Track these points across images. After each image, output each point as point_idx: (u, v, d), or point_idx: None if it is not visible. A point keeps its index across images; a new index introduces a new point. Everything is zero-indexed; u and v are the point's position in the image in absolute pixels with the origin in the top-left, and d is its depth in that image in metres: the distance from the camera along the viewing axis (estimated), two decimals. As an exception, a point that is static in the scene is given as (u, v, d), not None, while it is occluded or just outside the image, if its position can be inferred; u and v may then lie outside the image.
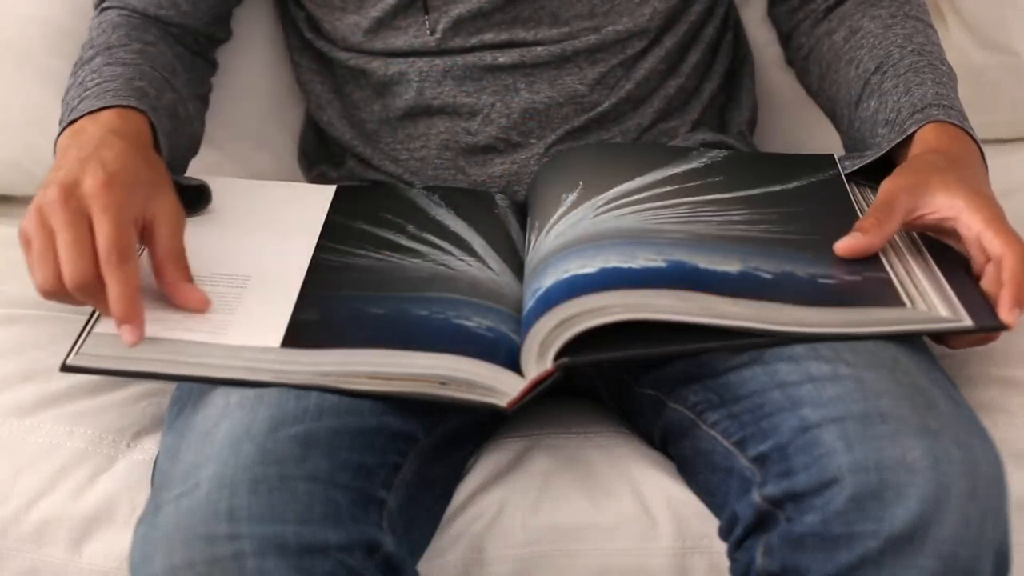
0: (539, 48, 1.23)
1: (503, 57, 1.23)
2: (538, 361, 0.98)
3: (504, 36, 1.23)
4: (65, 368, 0.98)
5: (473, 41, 1.23)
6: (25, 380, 1.17)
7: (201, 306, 1.02)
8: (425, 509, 1.04)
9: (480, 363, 0.99)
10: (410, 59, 1.24)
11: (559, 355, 0.97)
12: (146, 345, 0.99)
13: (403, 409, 1.00)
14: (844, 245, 1.04)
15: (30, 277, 1.01)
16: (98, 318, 1.02)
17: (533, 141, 1.24)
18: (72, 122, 1.10)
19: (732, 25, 1.36)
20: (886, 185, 1.06)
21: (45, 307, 1.26)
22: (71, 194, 1.00)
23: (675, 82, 1.28)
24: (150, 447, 1.13)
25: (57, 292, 1.00)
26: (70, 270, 0.98)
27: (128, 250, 0.99)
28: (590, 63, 1.24)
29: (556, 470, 1.10)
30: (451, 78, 1.24)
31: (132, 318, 0.98)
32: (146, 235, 1.02)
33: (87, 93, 1.12)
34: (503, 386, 0.98)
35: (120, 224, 0.99)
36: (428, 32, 1.23)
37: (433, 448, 1.04)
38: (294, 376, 0.98)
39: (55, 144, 1.10)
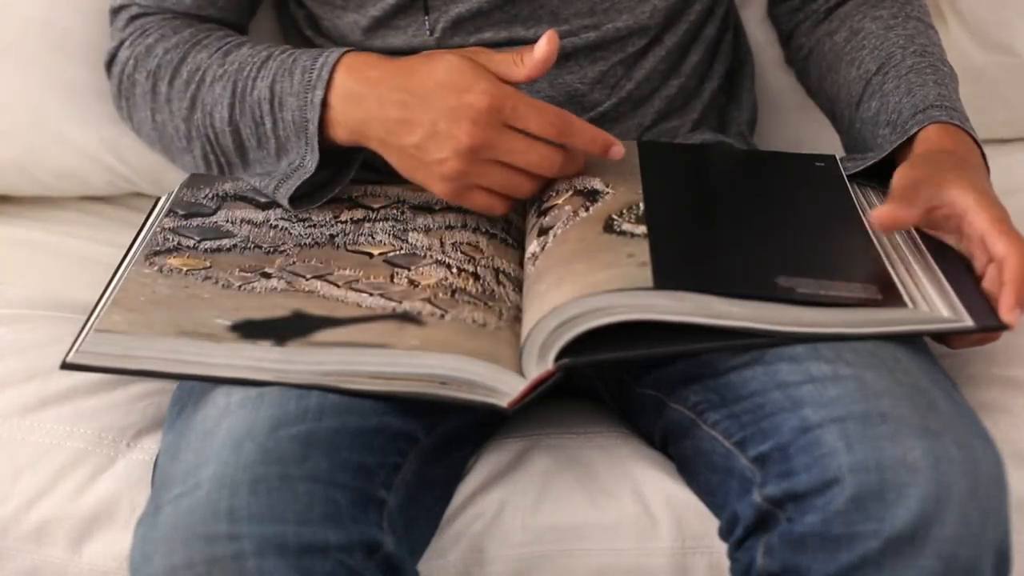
0: (539, 47, 1.23)
1: (503, 56, 1.23)
2: (539, 362, 0.98)
3: (504, 35, 1.23)
4: (65, 366, 0.98)
5: (472, 40, 1.23)
6: (25, 380, 1.17)
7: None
8: (425, 509, 1.04)
9: (480, 363, 0.99)
10: (410, 59, 1.24)
11: (560, 356, 0.97)
12: (147, 344, 0.99)
13: (403, 409, 1.00)
14: (882, 214, 1.03)
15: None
16: (98, 315, 1.02)
17: (533, 140, 1.24)
18: (324, 100, 1.11)
19: (732, 25, 1.36)
20: (905, 173, 1.06)
21: (46, 307, 1.26)
22: (482, 127, 1.06)
23: (676, 82, 1.28)
24: (150, 447, 1.13)
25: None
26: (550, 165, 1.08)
27: (560, 112, 1.07)
28: (590, 61, 1.24)
29: (556, 470, 1.10)
30: (451, 78, 1.24)
31: (612, 141, 1.09)
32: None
33: (276, 71, 1.14)
34: (503, 386, 0.98)
35: (537, 106, 1.06)
36: (428, 31, 1.23)
37: (433, 448, 1.04)
38: (295, 376, 0.98)
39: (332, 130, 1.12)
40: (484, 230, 1.15)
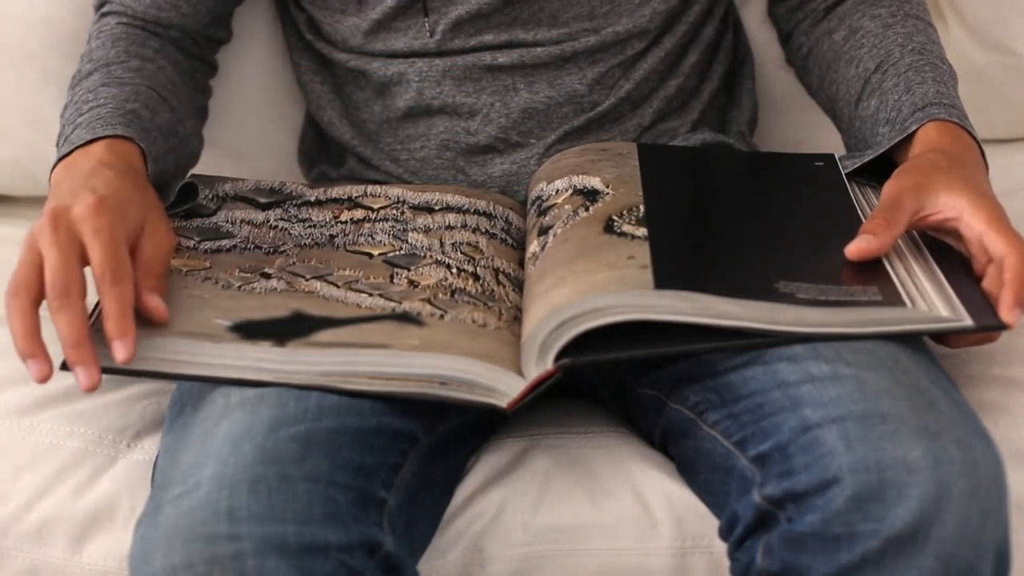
0: (538, 49, 1.23)
1: (502, 57, 1.23)
2: (538, 362, 0.98)
3: (503, 37, 1.23)
4: (66, 367, 0.98)
5: (472, 42, 1.23)
6: (25, 380, 1.16)
7: (158, 315, 1.01)
8: (425, 509, 1.04)
9: (480, 363, 0.99)
10: (410, 60, 1.24)
11: (559, 356, 0.97)
12: (147, 344, 0.99)
13: (403, 409, 1.00)
14: (855, 248, 1.03)
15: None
16: (99, 316, 1.02)
17: (533, 141, 1.24)
18: (65, 155, 1.10)
19: (732, 25, 1.36)
20: (890, 186, 1.06)
21: (45, 307, 1.26)
22: (61, 218, 1.00)
23: (675, 82, 1.28)
24: (150, 447, 1.13)
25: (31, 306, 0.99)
26: (51, 280, 0.97)
27: (121, 268, 0.98)
28: (589, 63, 1.24)
29: (556, 470, 1.10)
30: (450, 78, 1.24)
31: (125, 335, 0.97)
32: (134, 252, 1.02)
33: (80, 120, 1.13)
34: (503, 386, 0.98)
35: (112, 244, 0.99)
36: (428, 34, 1.23)
37: (433, 448, 1.04)
38: (295, 376, 0.98)
39: (50, 176, 1.10)
40: (484, 230, 1.15)
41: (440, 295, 1.06)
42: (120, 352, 0.97)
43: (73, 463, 1.11)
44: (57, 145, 1.14)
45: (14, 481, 1.10)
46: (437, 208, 1.17)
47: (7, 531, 1.09)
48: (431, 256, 1.11)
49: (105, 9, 1.25)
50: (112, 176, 1.05)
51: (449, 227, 1.15)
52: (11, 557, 1.09)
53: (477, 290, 1.08)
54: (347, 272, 1.09)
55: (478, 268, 1.11)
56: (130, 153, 1.10)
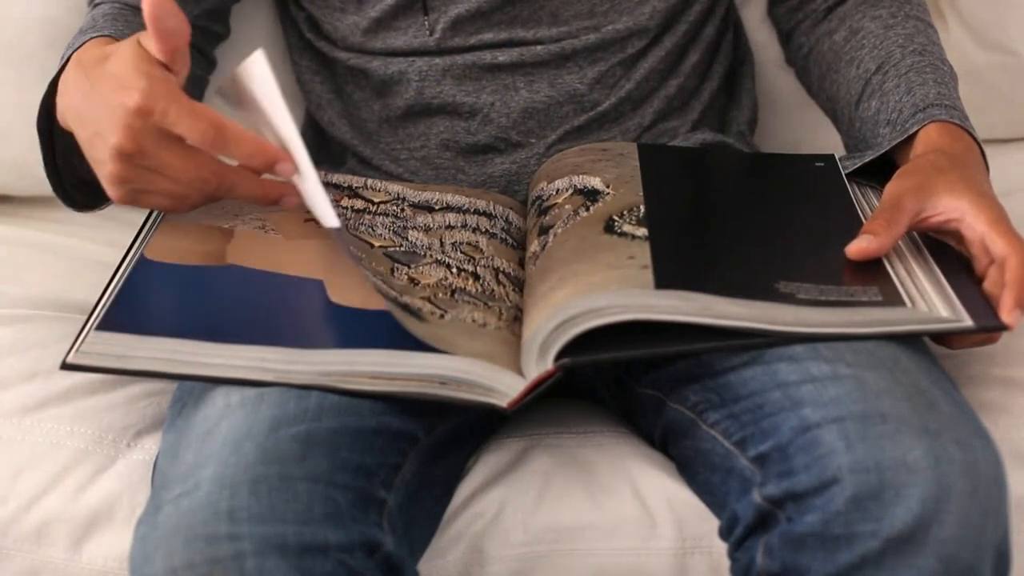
0: (538, 47, 1.23)
1: (502, 56, 1.23)
2: (538, 362, 0.98)
3: (503, 35, 1.23)
4: (65, 366, 0.98)
5: (472, 41, 1.23)
6: (26, 380, 1.17)
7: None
8: (425, 509, 1.04)
9: (480, 363, 0.99)
10: (410, 59, 1.24)
11: (560, 355, 0.97)
12: (146, 344, 0.99)
13: (403, 409, 1.00)
14: (856, 248, 1.03)
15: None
16: (99, 316, 1.02)
17: (533, 141, 1.24)
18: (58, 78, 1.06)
19: (732, 25, 1.36)
20: (891, 187, 1.06)
21: (46, 307, 1.26)
22: (135, 131, 0.97)
23: (675, 82, 1.28)
24: (151, 447, 1.13)
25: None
26: (194, 182, 0.99)
27: (215, 119, 0.97)
28: (590, 62, 1.24)
29: (556, 470, 1.10)
30: (450, 77, 1.24)
31: (278, 157, 0.98)
32: None
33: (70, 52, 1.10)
34: (503, 386, 0.98)
35: (191, 110, 0.97)
36: (427, 32, 1.23)
37: (433, 448, 1.04)
38: (296, 376, 0.98)
39: (40, 123, 1.08)
40: (484, 230, 1.15)
41: (440, 294, 1.06)
42: (288, 167, 0.99)
43: (73, 463, 1.11)
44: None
45: (14, 481, 1.10)
46: (437, 208, 1.17)
47: (7, 531, 1.09)
48: (431, 255, 1.11)
49: (99, 0, 1.25)
50: (121, 52, 1.00)
51: (449, 227, 1.15)
52: (11, 557, 1.09)
53: (477, 290, 1.08)
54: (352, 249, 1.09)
55: (478, 268, 1.11)
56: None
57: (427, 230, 1.14)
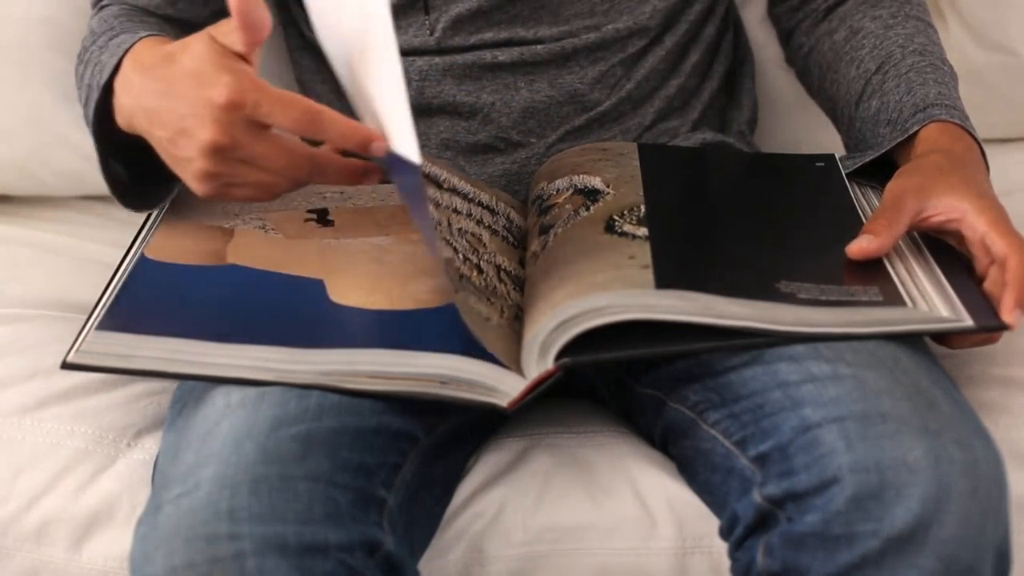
0: (539, 47, 1.23)
1: (503, 56, 1.23)
2: (539, 361, 0.98)
3: (504, 35, 1.23)
4: (65, 365, 0.98)
5: (473, 40, 1.23)
6: (26, 379, 1.17)
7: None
8: (425, 509, 1.04)
9: (481, 363, 0.99)
10: (410, 58, 1.24)
11: (560, 355, 0.97)
12: (147, 344, 0.99)
13: (403, 409, 1.00)
14: (857, 248, 1.03)
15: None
16: (99, 315, 1.02)
17: (533, 140, 1.24)
18: (108, 92, 1.06)
19: (732, 24, 1.36)
20: (892, 186, 1.06)
21: (46, 306, 1.26)
22: (226, 125, 0.97)
23: (675, 82, 1.28)
24: (151, 446, 1.13)
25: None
26: (292, 172, 0.99)
27: (308, 104, 0.97)
28: (590, 62, 1.24)
29: (556, 470, 1.10)
30: (451, 77, 1.24)
31: (372, 136, 0.97)
32: None
33: (103, 57, 1.10)
34: (504, 386, 0.98)
35: (281, 98, 0.96)
36: (428, 32, 1.23)
37: (433, 448, 1.04)
38: (296, 376, 0.98)
39: (96, 127, 1.07)
40: (487, 224, 1.15)
41: (450, 273, 1.06)
42: (380, 146, 0.97)
43: (73, 462, 1.11)
44: (87, 109, 1.11)
45: (14, 481, 1.10)
46: (444, 186, 1.16)
47: (7, 531, 1.09)
48: (440, 231, 1.11)
49: (104, 2, 1.25)
50: (180, 45, 1.01)
51: (456, 211, 1.14)
52: (11, 557, 1.09)
53: (480, 283, 1.08)
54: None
55: (481, 261, 1.11)
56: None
57: (436, 204, 1.13)
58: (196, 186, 1.01)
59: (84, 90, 1.13)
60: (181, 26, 1.25)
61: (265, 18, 0.97)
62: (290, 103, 0.97)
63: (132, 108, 1.05)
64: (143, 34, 1.09)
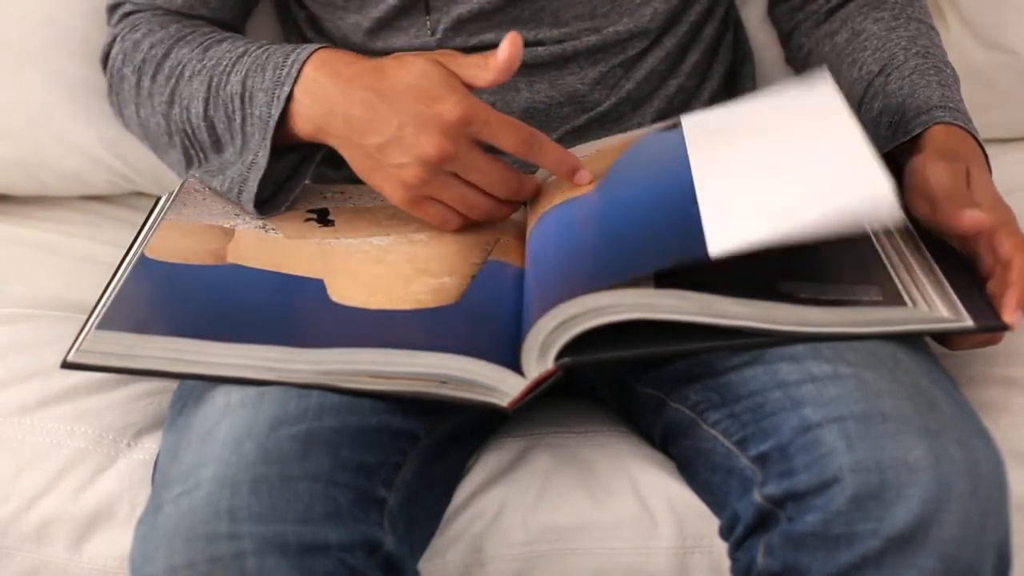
0: (540, 48, 1.23)
1: (503, 56, 1.23)
2: (539, 361, 0.98)
3: (505, 36, 1.23)
4: (66, 365, 0.98)
5: (474, 41, 1.23)
6: (26, 379, 1.16)
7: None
8: (426, 508, 1.04)
9: (481, 363, 0.99)
10: (411, 59, 1.25)
11: (560, 355, 0.97)
12: (147, 343, 0.99)
13: (404, 408, 1.00)
14: (972, 220, 1.03)
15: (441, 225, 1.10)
16: (99, 315, 1.02)
17: (534, 141, 1.24)
18: (283, 118, 1.11)
19: (732, 25, 1.36)
20: (940, 170, 1.06)
21: (46, 306, 1.26)
22: (452, 137, 1.04)
23: (675, 82, 1.28)
24: (151, 446, 1.13)
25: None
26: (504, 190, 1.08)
27: (529, 129, 1.07)
28: (591, 63, 1.24)
29: (556, 469, 1.10)
30: (451, 77, 1.24)
31: (579, 165, 1.08)
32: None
33: (258, 82, 1.13)
34: (504, 386, 0.98)
35: (507, 121, 1.06)
36: (429, 33, 1.23)
37: (434, 447, 1.04)
38: (296, 375, 0.98)
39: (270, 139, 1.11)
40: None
41: None
42: (586, 174, 1.09)
43: (73, 462, 1.11)
44: (243, 112, 1.14)
45: (14, 481, 1.10)
46: None
47: (7, 531, 1.09)
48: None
49: (127, 9, 1.25)
50: (392, 62, 1.09)
51: None
52: (11, 557, 1.09)
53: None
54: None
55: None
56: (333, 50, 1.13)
57: None
58: (399, 191, 1.08)
59: (223, 119, 1.15)
60: (215, 26, 1.25)
61: (516, 68, 1.07)
62: (515, 126, 1.06)
63: (326, 115, 1.09)
64: (317, 45, 1.13)
